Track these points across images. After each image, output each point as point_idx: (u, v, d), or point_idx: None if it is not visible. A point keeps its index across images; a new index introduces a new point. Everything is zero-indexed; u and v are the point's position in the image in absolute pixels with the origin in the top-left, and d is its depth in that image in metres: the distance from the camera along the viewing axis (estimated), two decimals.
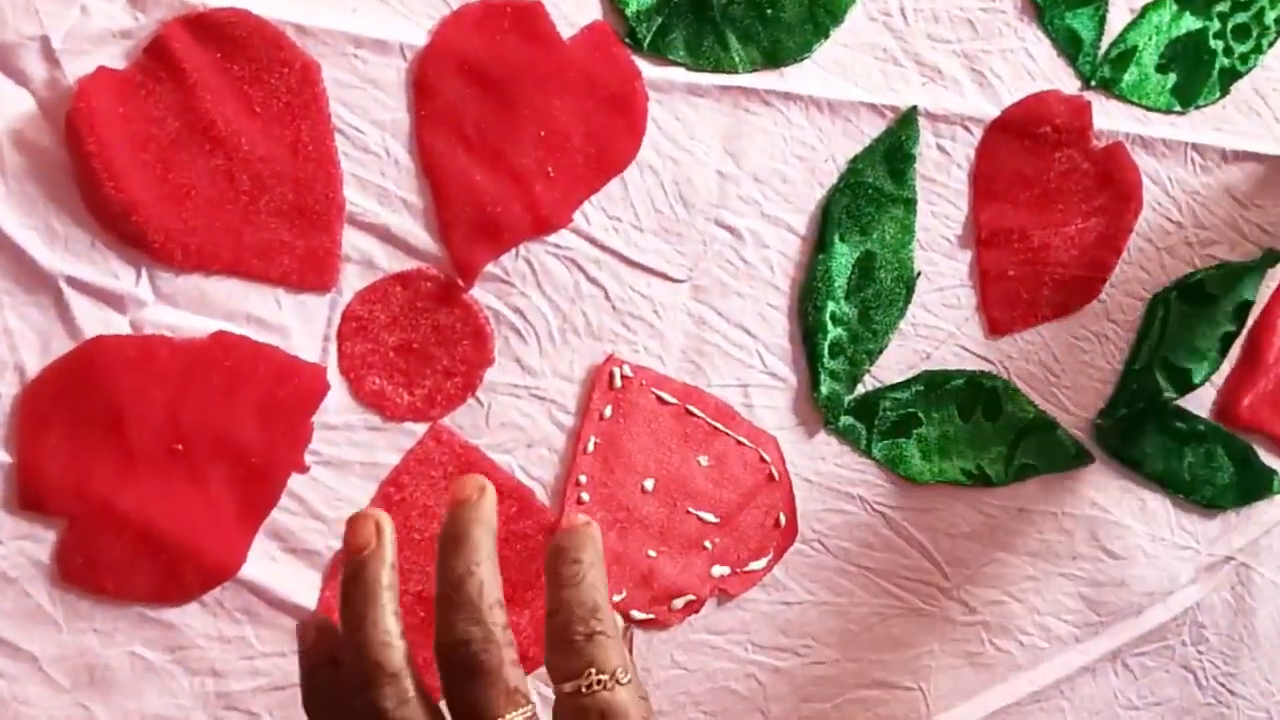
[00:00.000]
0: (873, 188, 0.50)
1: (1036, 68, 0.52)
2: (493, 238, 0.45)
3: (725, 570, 0.49)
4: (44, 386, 0.40)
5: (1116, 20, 0.53)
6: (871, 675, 0.51)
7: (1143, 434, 0.56)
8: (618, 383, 0.47)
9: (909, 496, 0.52)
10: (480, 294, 0.45)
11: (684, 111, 0.47)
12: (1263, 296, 0.58)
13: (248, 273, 0.42)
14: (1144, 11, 0.54)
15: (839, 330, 0.50)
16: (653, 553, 0.48)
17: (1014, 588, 0.55)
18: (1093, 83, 0.53)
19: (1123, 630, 0.57)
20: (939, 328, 0.52)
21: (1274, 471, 0.59)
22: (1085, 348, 0.55)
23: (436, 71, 0.44)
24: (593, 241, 0.47)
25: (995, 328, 0.53)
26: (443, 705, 0.32)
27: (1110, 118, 0.54)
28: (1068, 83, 0.53)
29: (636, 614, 0.48)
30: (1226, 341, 0.58)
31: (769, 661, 0.49)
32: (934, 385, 0.52)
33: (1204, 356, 0.57)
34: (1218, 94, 0.56)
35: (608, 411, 0.47)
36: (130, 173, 0.40)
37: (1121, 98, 0.54)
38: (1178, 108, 0.55)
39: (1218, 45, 0.56)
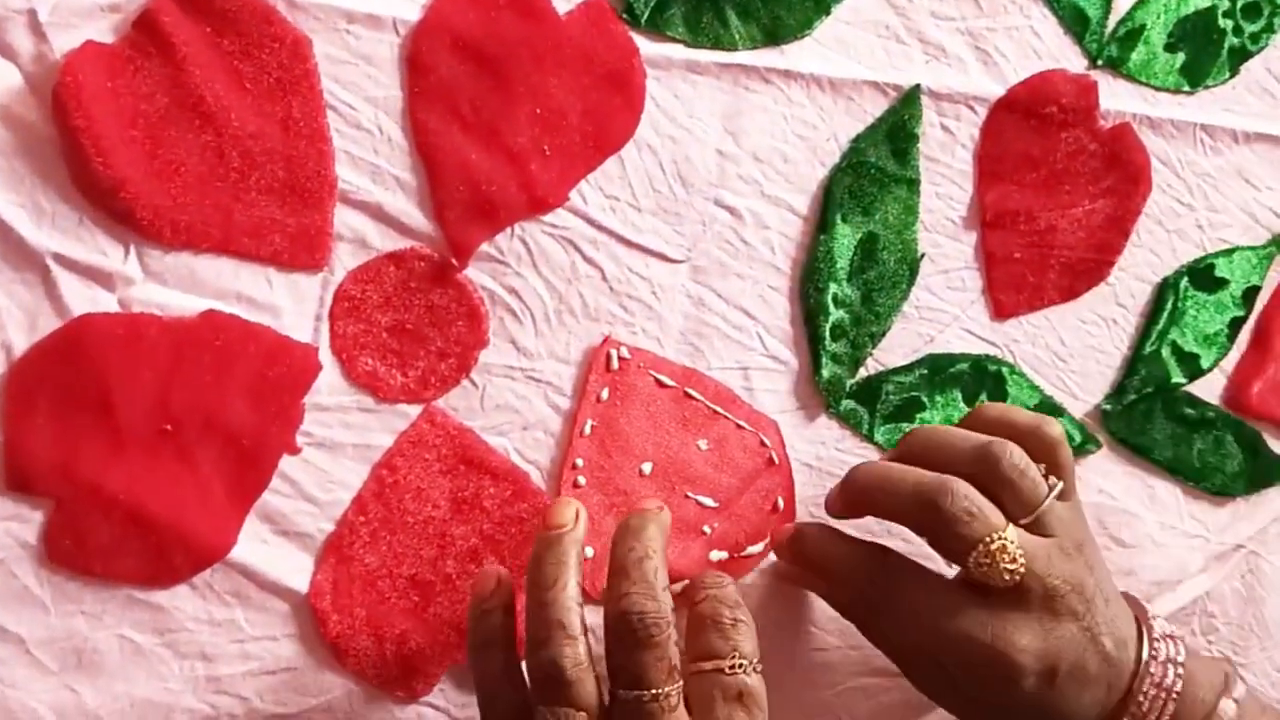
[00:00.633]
0: (875, 168, 0.49)
1: (1042, 46, 0.51)
2: (488, 217, 0.44)
3: (724, 555, 0.48)
4: (31, 365, 0.39)
5: None
6: (872, 663, 0.50)
7: (1151, 420, 0.56)
8: (615, 365, 0.46)
9: None
10: (475, 274, 0.45)
11: (682, 89, 0.47)
12: (1271, 282, 0.57)
13: (238, 251, 0.41)
14: None
15: (841, 313, 0.50)
16: None
17: None
18: (1099, 62, 0.52)
19: None
20: (943, 310, 0.52)
21: None
22: (1093, 332, 0.54)
23: (430, 47, 0.43)
24: (590, 221, 0.46)
25: (1001, 311, 0.53)
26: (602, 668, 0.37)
27: (1117, 97, 0.53)
28: (1074, 61, 0.52)
29: None
30: (1235, 327, 0.57)
31: (766, 648, 0.49)
32: (938, 369, 0.52)
33: (1213, 342, 0.56)
34: (1227, 74, 0.55)
35: (605, 394, 0.46)
36: (118, 149, 0.39)
37: (1129, 77, 0.53)
38: (1186, 87, 0.54)
39: (1227, 24, 0.55)
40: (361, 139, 0.43)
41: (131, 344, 0.40)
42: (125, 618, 0.41)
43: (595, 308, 0.46)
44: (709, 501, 0.48)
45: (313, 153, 0.42)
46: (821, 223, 0.49)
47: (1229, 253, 0.56)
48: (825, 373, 0.49)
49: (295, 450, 0.42)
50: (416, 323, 0.44)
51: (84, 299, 0.40)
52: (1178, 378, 0.56)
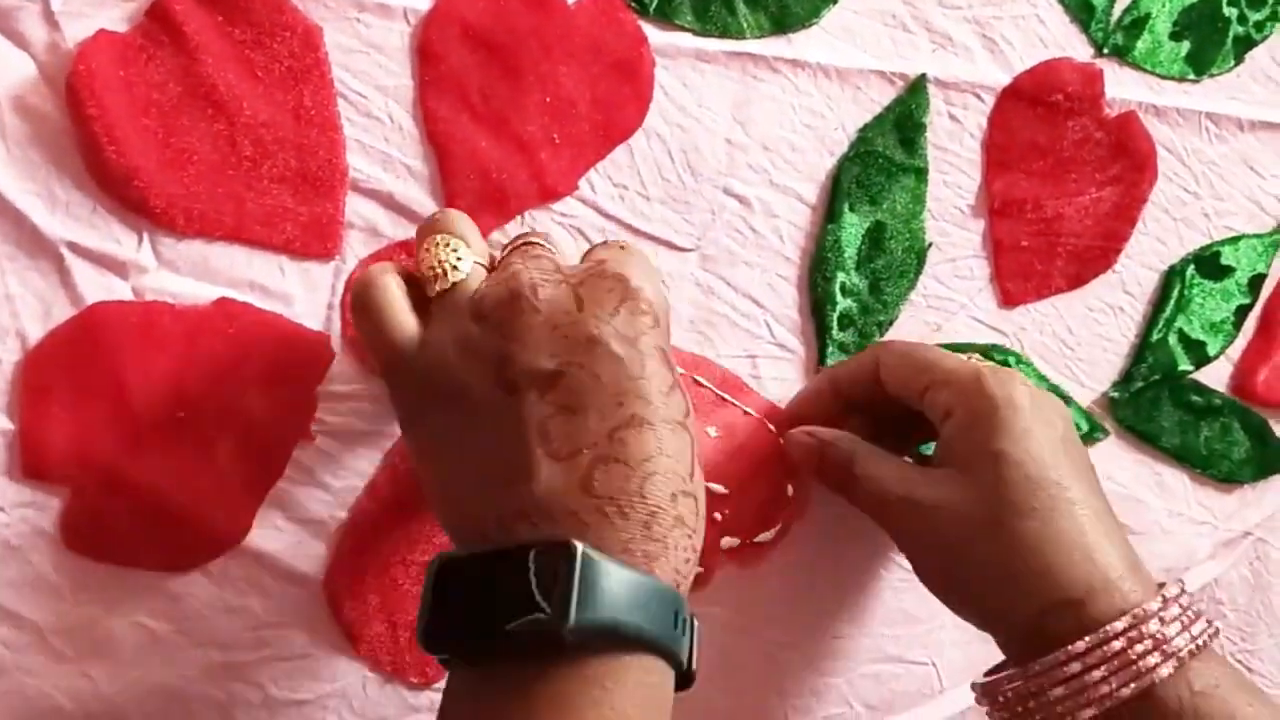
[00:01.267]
0: (883, 157, 0.50)
1: (1049, 34, 0.51)
2: (498, 205, 0.44)
3: (735, 542, 0.48)
4: (45, 353, 0.39)
5: None
6: (884, 649, 0.50)
7: (1159, 407, 0.56)
8: None
9: None
10: None
11: (691, 78, 0.47)
12: (1276, 269, 0.57)
13: (250, 239, 0.42)
14: None
15: (849, 301, 0.50)
16: None
17: None
18: (1105, 50, 0.53)
19: None
20: (951, 299, 0.52)
21: None
22: (1100, 320, 0.54)
23: (440, 36, 0.43)
24: (599, 210, 0.46)
25: (1008, 299, 0.53)
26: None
27: (1123, 86, 0.53)
28: (1080, 49, 0.52)
29: None
30: (1241, 314, 0.57)
31: (779, 635, 0.49)
32: None
33: (1219, 329, 0.56)
34: (1232, 62, 0.55)
35: None
36: (131, 138, 0.39)
37: (1134, 65, 0.53)
38: (1191, 76, 0.54)
39: (1232, 13, 0.55)
40: (372, 127, 0.43)
41: (145, 332, 0.40)
42: (141, 605, 0.41)
43: None
44: (719, 488, 0.48)
45: (324, 141, 0.42)
46: (829, 212, 0.49)
47: (1235, 240, 0.56)
48: (833, 361, 0.50)
49: (309, 438, 0.43)
50: None
51: (98, 287, 0.40)
52: (1184, 365, 0.56)
